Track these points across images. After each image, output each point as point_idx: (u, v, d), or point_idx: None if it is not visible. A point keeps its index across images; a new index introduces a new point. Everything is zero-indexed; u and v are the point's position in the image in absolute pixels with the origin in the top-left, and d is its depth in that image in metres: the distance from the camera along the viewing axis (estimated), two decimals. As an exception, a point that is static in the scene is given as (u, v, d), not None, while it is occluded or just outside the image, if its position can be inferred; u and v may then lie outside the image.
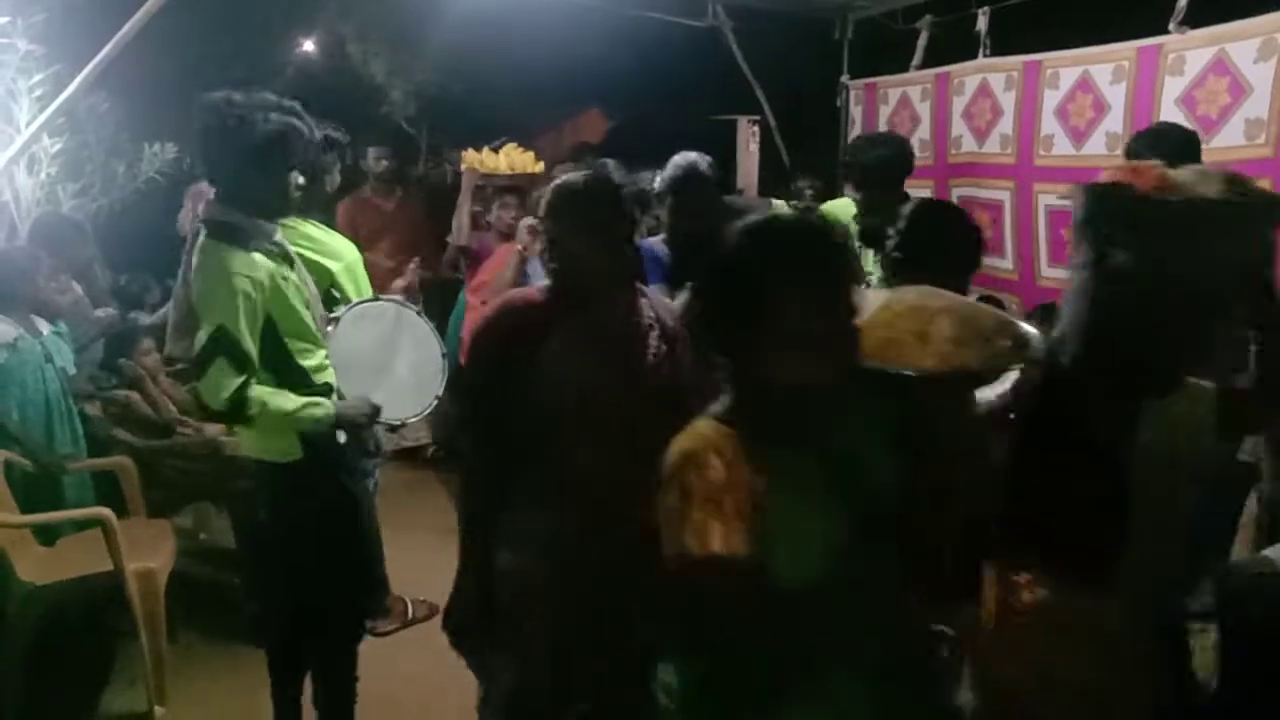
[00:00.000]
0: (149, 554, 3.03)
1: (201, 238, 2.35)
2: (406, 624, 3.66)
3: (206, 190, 7.20)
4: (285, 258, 2.44)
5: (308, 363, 2.44)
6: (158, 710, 3.00)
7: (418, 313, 2.85)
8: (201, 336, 2.26)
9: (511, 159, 4.59)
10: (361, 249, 3.37)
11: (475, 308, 4.36)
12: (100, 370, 3.88)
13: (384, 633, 3.60)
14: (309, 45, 8.14)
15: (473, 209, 4.54)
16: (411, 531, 4.41)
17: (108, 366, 3.91)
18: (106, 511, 2.91)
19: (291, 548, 2.48)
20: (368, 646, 3.49)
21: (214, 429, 4.05)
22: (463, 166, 4.59)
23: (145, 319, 5.23)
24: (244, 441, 2.55)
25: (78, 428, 3.34)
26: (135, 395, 3.76)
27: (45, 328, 3.33)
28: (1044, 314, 4.24)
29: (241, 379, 2.26)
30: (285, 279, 2.39)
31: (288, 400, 2.34)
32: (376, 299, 2.91)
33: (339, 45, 7.73)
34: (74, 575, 2.94)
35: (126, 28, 3.34)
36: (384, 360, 2.68)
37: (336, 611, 2.59)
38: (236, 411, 2.28)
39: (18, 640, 2.89)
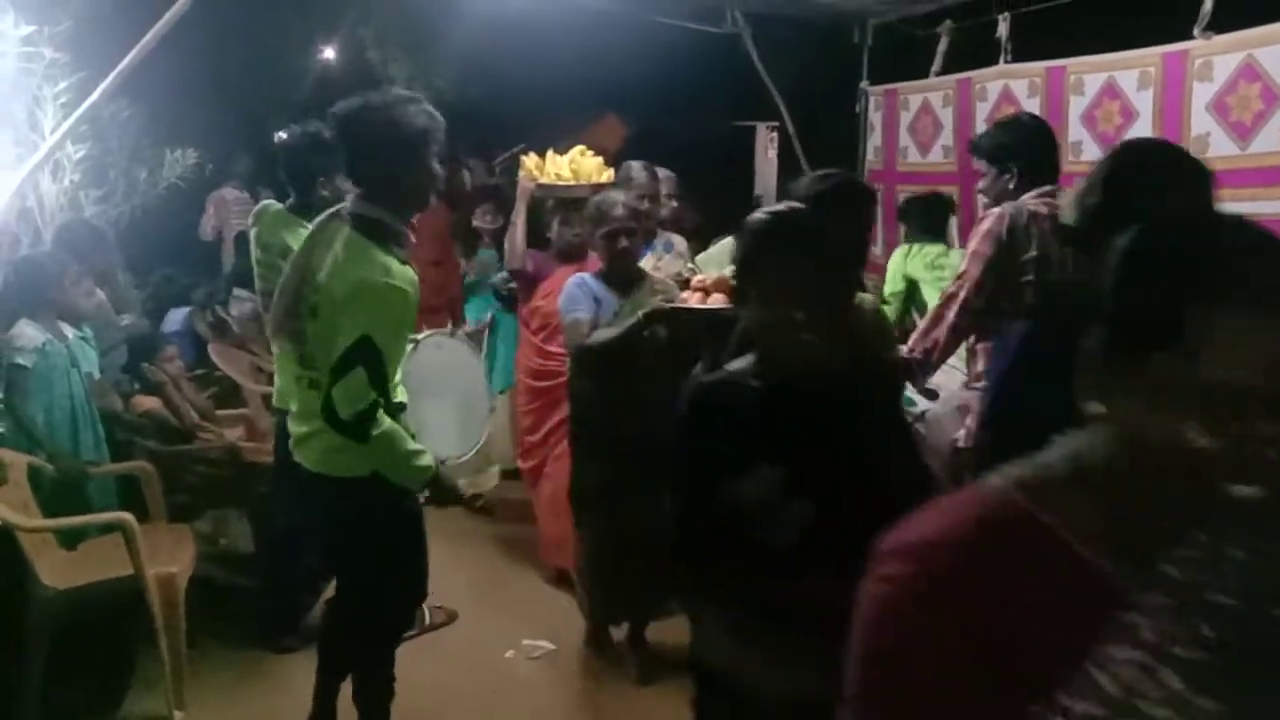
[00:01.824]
0: (169, 559, 3.04)
1: (347, 231, 2.31)
2: (424, 630, 3.65)
3: (228, 196, 7.20)
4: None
5: (394, 380, 2.42)
6: (177, 714, 3.00)
7: (482, 355, 2.88)
8: (344, 340, 2.20)
9: (577, 166, 3.90)
10: None
11: (530, 342, 3.88)
12: (124, 375, 3.91)
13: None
14: (329, 51, 8.20)
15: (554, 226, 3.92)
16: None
17: (131, 371, 3.94)
18: (127, 516, 2.91)
19: (356, 559, 2.48)
20: (386, 653, 3.51)
21: (235, 434, 4.06)
22: (520, 174, 3.98)
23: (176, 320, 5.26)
24: (307, 454, 2.43)
25: (100, 432, 3.36)
26: (156, 401, 3.78)
27: (70, 332, 3.35)
28: None
29: (375, 395, 2.22)
30: (416, 301, 2.38)
31: (406, 441, 2.32)
32: (453, 334, 2.95)
33: (358, 51, 7.78)
34: (95, 579, 2.94)
35: (149, 36, 3.36)
36: (441, 392, 2.70)
37: (389, 616, 2.61)
38: (360, 426, 2.22)
39: (39, 643, 2.90)
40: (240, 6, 6.24)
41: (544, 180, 3.86)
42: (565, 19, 5.48)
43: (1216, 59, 3.36)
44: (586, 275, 3.24)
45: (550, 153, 3.92)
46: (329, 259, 2.30)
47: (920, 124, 4.98)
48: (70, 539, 3.18)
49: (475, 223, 5.53)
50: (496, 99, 7.49)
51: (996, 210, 2.66)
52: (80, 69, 3.86)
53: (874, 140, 5.37)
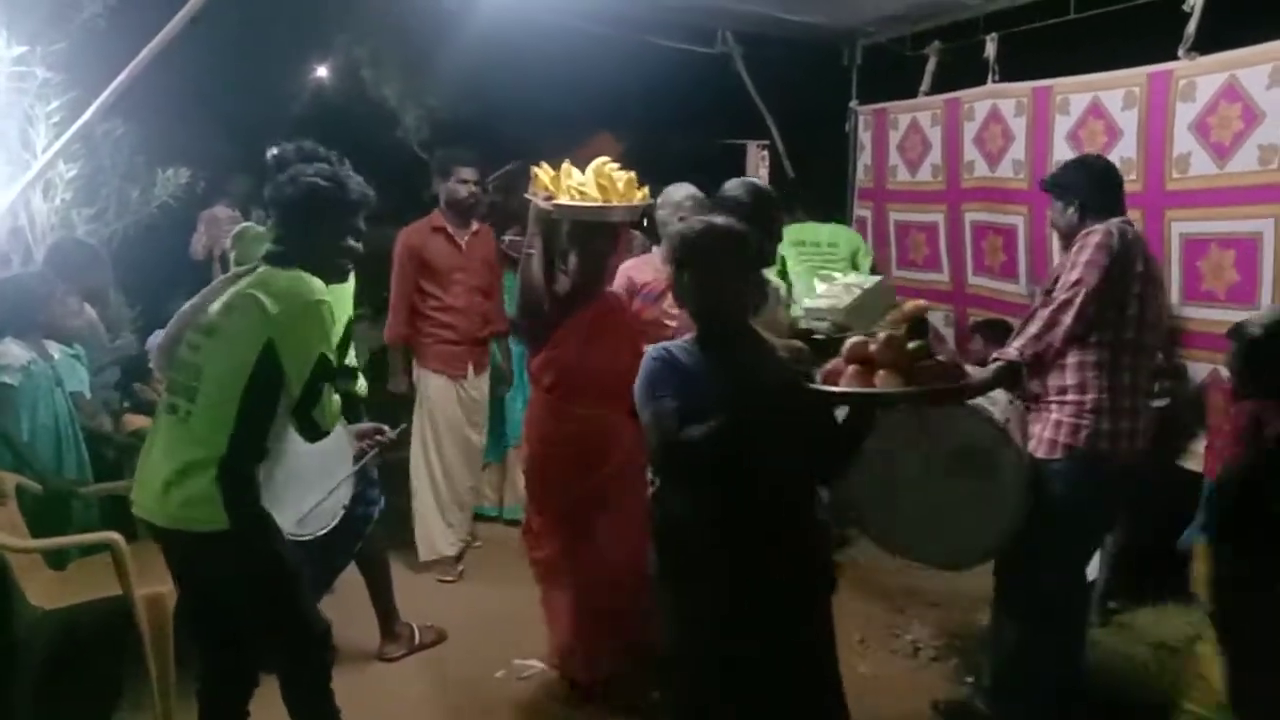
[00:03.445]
0: (158, 579, 3.00)
1: (262, 268, 2.36)
2: (414, 650, 3.64)
3: (220, 214, 7.22)
4: None
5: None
6: (165, 735, 2.99)
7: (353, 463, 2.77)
8: (303, 368, 2.23)
9: (605, 181, 3.03)
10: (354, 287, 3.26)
11: (545, 404, 3.20)
12: (115, 393, 3.90)
13: (392, 659, 3.59)
14: (323, 71, 8.23)
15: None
16: (418, 559, 4.40)
17: (123, 390, 3.93)
18: (116, 536, 2.90)
19: (220, 614, 2.46)
20: (375, 672, 3.50)
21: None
22: (531, 190, 3.11)
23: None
24: (159, 510, 2.31)
25: (84, 452, 3.34)
26: (148, 420, 3.76)
27: (57, 352, 3.34)
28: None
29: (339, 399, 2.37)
30: None
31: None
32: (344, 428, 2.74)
33: (352, 70, 7.81)
34: (83, 599, 2.94)
35: (142, 55, 3.38)
36: (312, 476, 2.62)
37: (299, 663, 2.49)
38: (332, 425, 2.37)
39: (28, 664, 2.88)
40: (234, 25, 6.26)
41: (562, 199, 3.02)
42: (558, 39, 5.51)
43: (1200, 79, 3.40)
44: (672, 344, 2.26)
45: (566, 165, 3.11)
46: (241, 284, 2.35)
47: (909, 143, 5.01)
48: (58, 559, 3.17)
49: (507, 239, 4.95)
50: (490, 117, 7.52)
51: (1102, 226, 2.82)
52: (73, 88, 3.87)
53: (864, 159, 5.41)
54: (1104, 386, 2.80)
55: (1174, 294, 3.51)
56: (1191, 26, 3.46)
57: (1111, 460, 2.81)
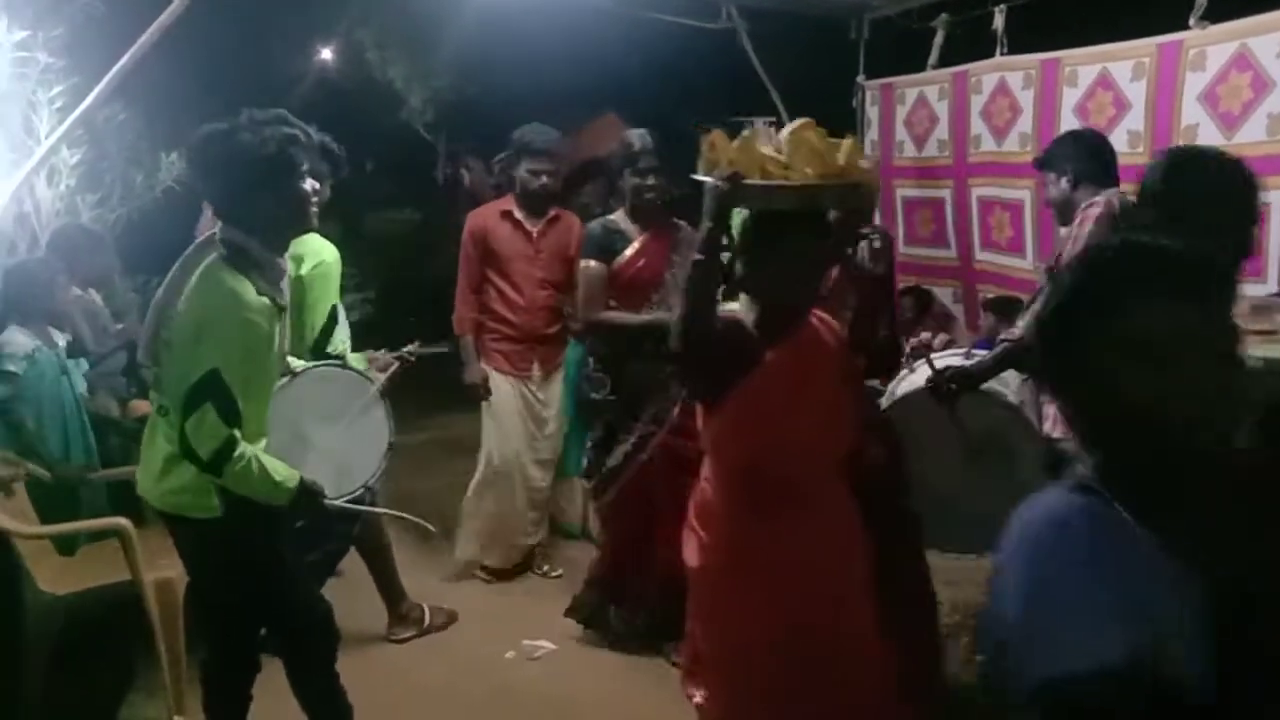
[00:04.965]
0: (167, 564, 3.03)
1: (213, 257, 2.25)
2: (423, 632, 3.65)
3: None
4: (280, 309, 2.32)
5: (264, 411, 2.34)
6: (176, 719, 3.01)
7: (380, 393, 2.65)
8: (194, 373, 2.12)
9: (818, 144, 2.07)
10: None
11: (728, 481, 2.16)
12: (122, 378, 3.91)
13: (401, 640, 3.60)
14: (327, 53, 8.20)
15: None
16: (431, 540, 4.41)
17: (129, 375, 3.94)
18: (125, 522, 2.92)
19: (215, 600, 2.48)
20: (383, 653, 3.51)
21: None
22: (701, 171, 2.17)
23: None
24: (155, 493, 2.34)
25: (90, 438, 3.36)
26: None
27: (61, 339, 3.36)
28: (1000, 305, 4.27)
29: (230, 431, 2.13)
30: (273, 330, 2.29)
31: (264, 468, 2.20)
32: (345, 367, 2.70)
33: (357, 52, 7.78)
34: (93, 585, 2.96)
35: (144, 38, 3.37)
36: (319, 430, 2.52)
37: (298, 649, 2.51)
38: (216, 464, 2.13)
39: (38, 650, 2.91)
40: (237, 8, 6.24)
41: (752, 178, 2.04)
42: (563, 18, 5.47)
43: (1210, 49, 3.35)
44: (1072, 501, 1.14)
45: (761, 125, 2.19)
46: (186, 288, 2.25)
47: (916, 117, 4.96)
48: (68, 545, 3.19)
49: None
50: (495, 97, 7.49)
51: (1101, 197, 2.79)
52: (75, 73, 3.87)
53: (870, 134, 5.35)
54: None
55: (1184, 268, 3.47)
56: (1204, -7, 3.41)
57: None
